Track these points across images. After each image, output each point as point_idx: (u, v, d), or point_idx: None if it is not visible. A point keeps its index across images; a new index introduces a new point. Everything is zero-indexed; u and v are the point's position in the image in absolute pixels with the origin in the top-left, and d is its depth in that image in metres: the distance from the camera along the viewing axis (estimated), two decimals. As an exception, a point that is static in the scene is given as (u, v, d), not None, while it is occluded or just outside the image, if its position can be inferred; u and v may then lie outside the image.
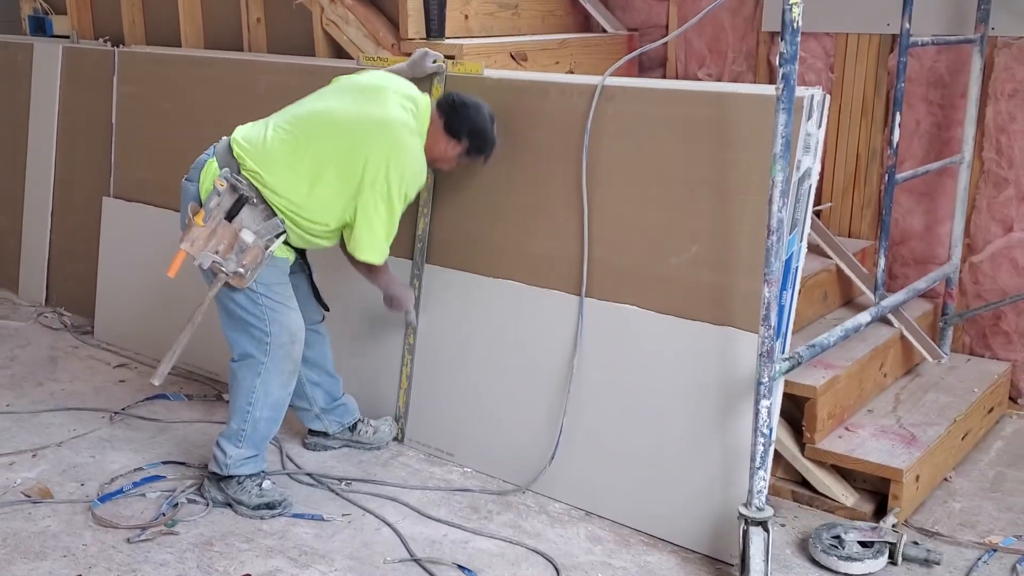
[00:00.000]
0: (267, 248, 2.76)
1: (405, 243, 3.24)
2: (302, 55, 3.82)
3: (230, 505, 2.92)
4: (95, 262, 4.34)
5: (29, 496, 2.97)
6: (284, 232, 2.79)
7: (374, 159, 2.74)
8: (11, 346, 4.21)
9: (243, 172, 2.75)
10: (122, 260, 4.23)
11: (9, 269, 4.92)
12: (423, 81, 3.17)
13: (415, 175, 2.83)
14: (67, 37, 4.72)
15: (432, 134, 2.88)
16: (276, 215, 2.77)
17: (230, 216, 2.73)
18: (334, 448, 3.28)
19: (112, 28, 4.59)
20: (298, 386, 3.12)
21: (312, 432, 3.28)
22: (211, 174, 2.77)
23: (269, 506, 2.89)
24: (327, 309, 3.15)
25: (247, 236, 2.72)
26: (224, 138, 2.85)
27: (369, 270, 2.93)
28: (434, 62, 3.15)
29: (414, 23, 3.40)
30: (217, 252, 2.72)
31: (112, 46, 4.40)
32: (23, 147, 4.77)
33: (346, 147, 2.76)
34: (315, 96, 2.91)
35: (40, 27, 4.89)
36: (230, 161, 2.77)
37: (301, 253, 3.01)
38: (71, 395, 3.73)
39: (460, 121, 2.85)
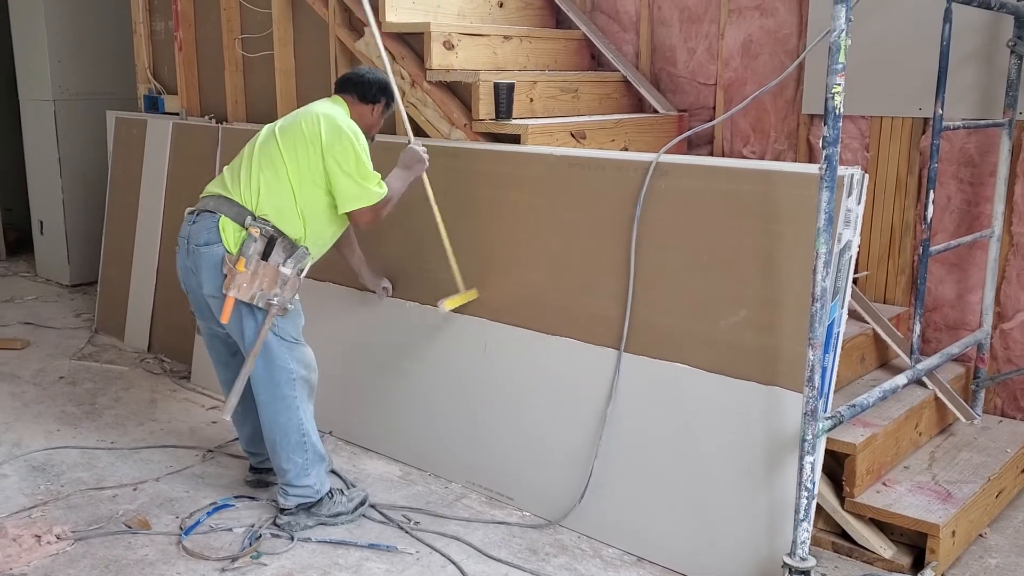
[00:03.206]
0: (300, 274, 2.89)
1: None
2: (384, 133, 3.89)
3: (323, 524, 2.96)
4: (194, 315, 4.41)
5: (130, 526, 3.00)
6: (309, 254, 2.92)
7: (323, 135, 2.87)
8: (116, 389, 4.30)
9: (258, 216, 2.84)
10: (217, 313, 4.30)
11: (117, 319, 5.04)
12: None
13: (356, 130, 2.94)
14: (177, 114, 4.90)
15: (356, 115, 3.03)
16: (297, 244, 2.87)
17: (265, 256, 2.82)
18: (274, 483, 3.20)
19: (216, 107, 4.75)
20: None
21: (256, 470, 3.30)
22: (231, 228, 2.84)
23: (362, 503, 3.06)
24: None
25: (287, 270, 2.84)
26: (210, 199, 2.92)
27: (376, 211, 2.95)
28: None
29: (485, 106, 3.45)
30: (263, 290, 2.81)
31: (216, 123, 4.55)
32: (134, 210, 4.92)
33: (295, 143, 2.89)
34: (251, 142, 3.01)
35: (153, 105, 5.07)
36: (241, 211, 2.85)
37: None
38: (168, 434, 3.78)
39: (369, 87, 3.06)
